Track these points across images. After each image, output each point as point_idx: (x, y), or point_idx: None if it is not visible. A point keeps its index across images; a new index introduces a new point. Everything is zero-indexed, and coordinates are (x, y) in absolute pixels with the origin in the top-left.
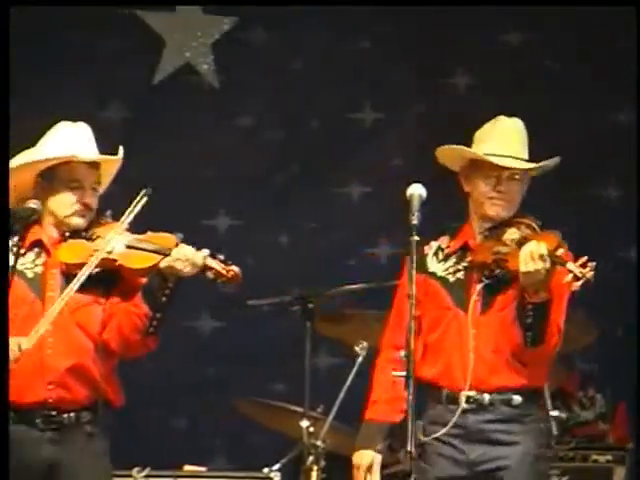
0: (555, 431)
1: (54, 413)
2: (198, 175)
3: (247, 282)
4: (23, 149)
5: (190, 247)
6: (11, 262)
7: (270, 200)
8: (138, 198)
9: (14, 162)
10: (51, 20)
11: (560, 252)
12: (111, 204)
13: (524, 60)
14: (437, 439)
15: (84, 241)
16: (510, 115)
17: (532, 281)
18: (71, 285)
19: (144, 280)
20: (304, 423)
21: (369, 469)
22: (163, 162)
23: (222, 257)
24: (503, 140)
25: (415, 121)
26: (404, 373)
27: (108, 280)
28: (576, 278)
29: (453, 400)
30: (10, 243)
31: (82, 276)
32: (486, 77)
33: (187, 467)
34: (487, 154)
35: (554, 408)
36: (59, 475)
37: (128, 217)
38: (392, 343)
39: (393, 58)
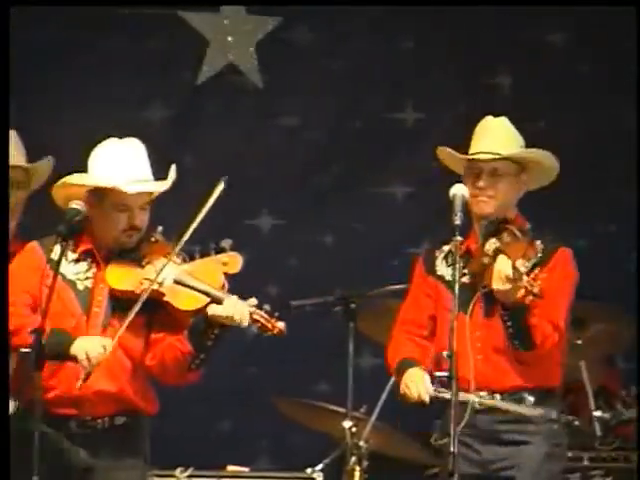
0: (598, 432)
1: (88, 418)
2: (241, 175)
3: (290, 282)
4: (77, 149)
5: (237, 299)
6: (65, 268)
7: (313, 200)
8: (194, 220)
9: (63, 179)
10: (95, 21)
11: (518, 263)
12: (159, 204)
13: (568, 61)
14: None
15: (134, 266)
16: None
17: (504, 297)
18: (124, 325)
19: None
20: (347, 423)
21: (422, 380)
22: (206, 162)
23: (268, 308)
24: (486, 138)
25: (457, 121)
26: (446, 373)
27: (154, 306)
28: (527, 292)
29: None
30: (59, 246)
31: (132, 313)
32: (529, 77)
33: (230, 467)
34: (470, 153)
35: (597, 408)
36: (92, 478)
37: (180, 244)
38: (406, 325)
39: (436, 58)
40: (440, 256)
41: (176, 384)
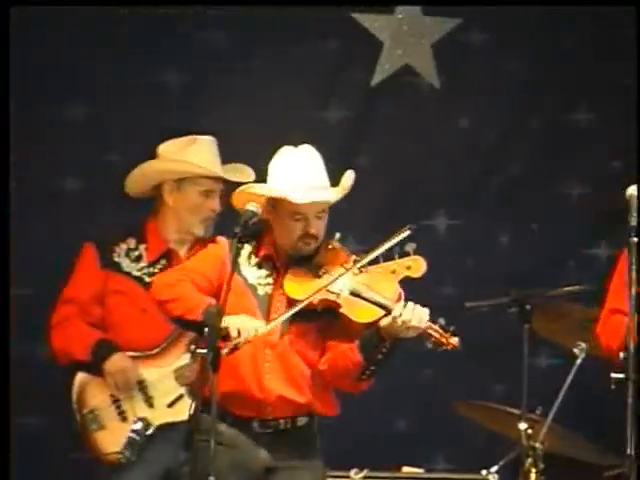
0: None
1: (270, 418)
2: (417, 175)
3: (465, 282)
4: (261, 153)
5: (413, 306)
6: (246, 270)
7: (489, 200)
8: (389, 241)
9: (240, 188)
10: (273, 22)
11: None
12: (333, 205)
13: None
14: None
15: (311, 275)
16: None
17: None
18: (289, 313)
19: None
20: (522, 425)
21: None
22: (382, 162)
23: (442, 322)
24: None
25: (633, 121)
26: (622, 375)
27: (331, 314)
28: None
29: None
30: (249, 249)
31: (300, 306)
32: None
33: (405, 468)
34: None
35: None
36: (275, 478)
37: (363, 261)
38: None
39: (609, 57)
40: None
41: (346, 391)
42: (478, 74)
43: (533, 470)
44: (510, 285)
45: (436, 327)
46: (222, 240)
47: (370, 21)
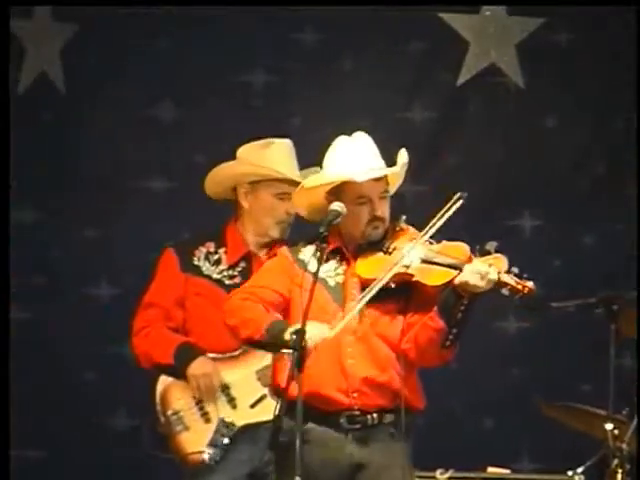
0: None
1: (358, 413)
2: (502, 175)
3: (551, 283)
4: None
5: (483, 262)
6: (314, 267)
7: (574, 200)
8: (446, 207)
9: (300, 185)
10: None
11: None
12: (419, 203)
13: None
14: None
15: (382, 254)
16: None
17: None
18: (366, 293)
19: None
20: (608, 426)
21: None
22: (467, 162)
23: (516, 270)
24: None
25: None
26: None
27: (406, 291)
28: None
29: None
30: (314, 248)
31: (376, 286)
32: None
33: (490, 469)
34: None
35: None
36: (363, 475)
37: (430, 230)
38: None
39: None
40: None
41: (432, 365)
42: (563, 73)
43: (619, 471)
44: (597, 285)
45: (510, 276)
46: (283, 250)
47: (456, 21)
